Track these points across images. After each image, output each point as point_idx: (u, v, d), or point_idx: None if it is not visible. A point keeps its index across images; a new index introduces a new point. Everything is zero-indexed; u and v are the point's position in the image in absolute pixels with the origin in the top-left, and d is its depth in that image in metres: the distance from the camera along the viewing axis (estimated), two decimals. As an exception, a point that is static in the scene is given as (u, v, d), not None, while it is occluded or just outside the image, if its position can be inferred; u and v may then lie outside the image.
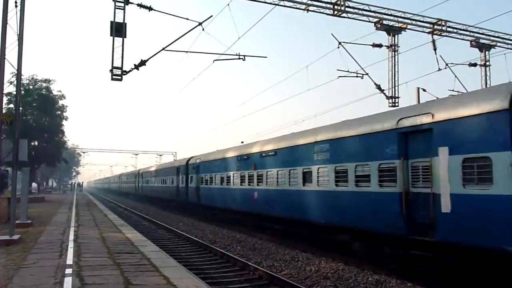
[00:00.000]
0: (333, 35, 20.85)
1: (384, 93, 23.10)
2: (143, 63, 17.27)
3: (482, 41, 25.67)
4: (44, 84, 47.11)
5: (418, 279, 10.68)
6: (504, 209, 8.34)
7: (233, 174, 22.87)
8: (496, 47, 25.95)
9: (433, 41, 22.03)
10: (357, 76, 22.45)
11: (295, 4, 21.24)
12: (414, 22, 23.59)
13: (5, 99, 40.90)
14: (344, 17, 22.03)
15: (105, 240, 14.29)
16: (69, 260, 10.31)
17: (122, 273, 8.93)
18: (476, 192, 8.94)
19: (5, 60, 14.29)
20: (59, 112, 49.94)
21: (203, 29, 17.13)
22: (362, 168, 12.48)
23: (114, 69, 16.98)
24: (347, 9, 21.82)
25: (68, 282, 8.01)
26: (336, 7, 21.67)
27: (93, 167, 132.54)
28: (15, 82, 24.77)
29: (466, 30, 24.85)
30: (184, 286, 7.85)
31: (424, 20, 23.64)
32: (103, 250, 12.17)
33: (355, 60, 21.80)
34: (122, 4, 16.85)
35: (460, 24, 24.61)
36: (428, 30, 23.72)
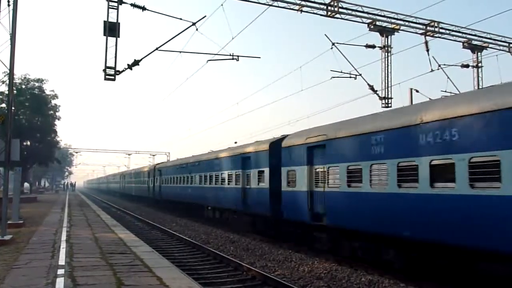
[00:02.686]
0: (326, 35, 20.92)
1: (377, 94, 23.20)
2: (136, 63, 17.22)
3: (474, 42, 25.86)
4: (36, 84, 46.92)
5: (411, 279, 10.74)
6: None
7: None
8: (488, 49, 26.14)
9: (426, 42, 22.16)
10: (350, 77, 22.54)
11: (289, 4, 21.27)
12: (407, 23, 23.71)
13: (-3, 99, 40.83)
14: (337, 18, 22.10)
15: (98, 240, 14.23)
16: (61, 260, 10.26)
17: (115, 273, 8.90)
18: None
19: (-3, 59, 14.21)
20: (51, 112, 49.71)
21: (196, 29, 17.12)
22: None
23: (107, 69, 16.93)
24: (340, 10, 21.90)
25: (60, 282, 7.97)
26: (329, 8, 21.73)
27: (85, 167, 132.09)
28: (7, 82, 24.63)
29: (459, 32, 25.02)
30: (177, 286, 7.84)
31: (417, 21, 23.77)
32: (96, 250, 12.12)
33: (348, 61, 21.91)
34: (115, 4, 16.80)
35: (452, 25, 24.79)
36: (421, 31, 23.85)
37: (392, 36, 23.94)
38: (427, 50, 21.63)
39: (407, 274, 11.12)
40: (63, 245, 12.73)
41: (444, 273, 10.27)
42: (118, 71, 17.14)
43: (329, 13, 21.81)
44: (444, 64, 20.66)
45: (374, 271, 11.65)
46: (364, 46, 23.66)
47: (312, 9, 21.70)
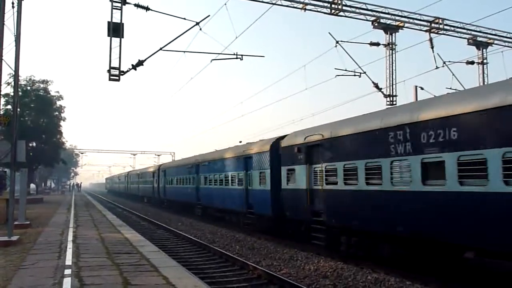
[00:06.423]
0: (330, 34, 20.89)
1: (382, 92, 23.15)
2: (140, 63, 17.25)
3: (479, 39, 25.77)
4: (41, 85, 47.11)
5: (417, 277, 10.71)
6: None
7: None
8: (493, 45, 26.04)
9: (431, 39, 22.09)
10: (354, 75, 22.50)
11: (292, 3, 21.26)
12: (411, 20, 23.66)
13: (2, 100, 40.82)
14: (341, 16, 22.09)
15: (104, 240, 14.27)
16: (68, 260, 10.30)
17: (121, 273, 8.93)
18: None
19: (3, 61, 14.29)
20: (56, 113, 49.87)
21: (200, 29, 17.14)
22: None
23: (111, 70, 16.95)
24: (344, 8, 21.88)
25: (67, 282, 8.01)
26: (333, 6, 21.73)
27: (91, 168, 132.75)
28: (12, 83, 24.78)
29: (463, 28, 24.93)
30: (183, 286, 7.86)
31: (421, 19, 23.72)
32: (102, 250, 12.16)
33: (352, 59, 21.90)
34: (119, 4, 16.83)
35: (457, 22, 24.74)
36: (425, 28, 23.80)
37: (396, 33, 23.90)
38: (432, 47, 21.57)
39: (413, 272, 11.10)
40: (69, 245, 12.78)
41: (449, 271, 10.23)
42: (123, 71, 17.18)
43: (333, 11, 21.80)
44: (449, 61, 20.63)
45: (380, 269, 11.61)
46: (368, 44, 23.64)
47: (316, 7, 21.71)
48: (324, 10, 21.86)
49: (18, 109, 17.49)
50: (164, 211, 36.68)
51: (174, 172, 37.52)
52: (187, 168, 32.00)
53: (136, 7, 16.90)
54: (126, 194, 68.33)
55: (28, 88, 45.72)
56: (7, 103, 37.83)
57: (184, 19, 17.23)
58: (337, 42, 21.03)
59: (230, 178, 23.23)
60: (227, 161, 23.89)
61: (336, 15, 21.91)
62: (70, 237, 14.64)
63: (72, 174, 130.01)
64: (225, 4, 17.20)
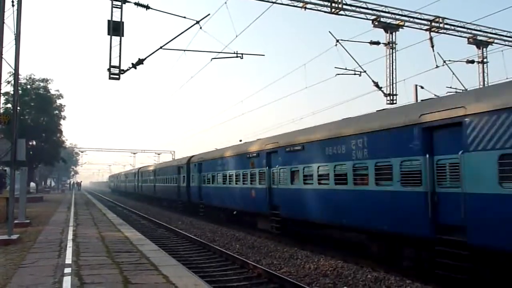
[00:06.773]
0: (330, 32, 20.92)
1: (382, 91, 23.15)
2: (140, 62, 17.27)
3: (479, 38, 25.73)
4: (41, 84, 47.14)
5: (416, 276, 10.71)
6: None
7: None
8: (493, 44, 26.01)
9: (431, 38, 22.10)
10: (355, 74, 22.52)
11: (293, 1, 21.22)
12: (411, 19, 23.62)
13: (2, 99, 40.94)
14: (341, 14, 22.03)
15: (104, 239, 14.27)
16: (68, 259, 10.30)
17: (121, 272, 8.93)
18: None
19: (3, 59, 14.28)
20: (57, 112, 49.92)
21: (200, 28, 17.14)
22: None
23: (111, 68, 16.97)
24: (344, 6, 21.83)
25: (67, 281, 8.01)
26: (333, 4, 21.67)
27: (91, 167, 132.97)
28: (12, 82, 24.79)
29: (464, 27, 24.89)
30: (183, 284, 7.85)
31: (422, 18, 23.68)
32: (102, 249, 12.15)
33: (352, 58, 21.90)
34: (119, 3, 16.84)
35: (457, 21, 24.68)
36: (425, 27, 23.76)
37: (397, 32, 23.87)
38: (432, 46, 21.58)
39: (411, 271, 11.10)
40: (69, 244, 12.77)
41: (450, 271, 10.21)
42: (123, 70, 17.19)
43: (333, 10, 21.75)
44: (449, 60, 20.66)
45: (380, 268, 11.62)
46: (369, 42, 23.61)
47: (316, 6, 21.65)
48: (325, 9, 21.81)
49: (18, 108, 17.49)
50: (203, 220, 26.23)
51: (218, 165, 25.97)
52: (247, 159, 21.46)
53: (136, 6, 16.92)
54: (136, 195, 58.87)
55: (28, 86, 45.76)
56: (7, 101, 37.87)
57: (184, 17, 17.28)
58: (337, 41, 21.08)
59: (374, 171, 12.14)
60: (354, 139, 12.96)
61: (336, 13, 21.86)
62: (70, 236, 14.64)
63: (72, 173, 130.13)
64: (225, 2, 17.20)
